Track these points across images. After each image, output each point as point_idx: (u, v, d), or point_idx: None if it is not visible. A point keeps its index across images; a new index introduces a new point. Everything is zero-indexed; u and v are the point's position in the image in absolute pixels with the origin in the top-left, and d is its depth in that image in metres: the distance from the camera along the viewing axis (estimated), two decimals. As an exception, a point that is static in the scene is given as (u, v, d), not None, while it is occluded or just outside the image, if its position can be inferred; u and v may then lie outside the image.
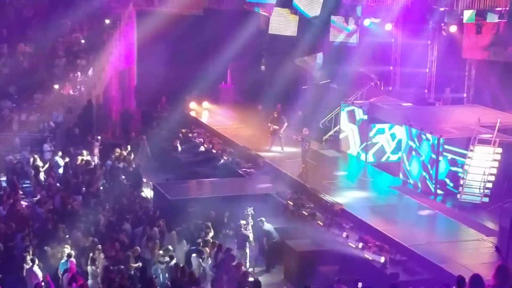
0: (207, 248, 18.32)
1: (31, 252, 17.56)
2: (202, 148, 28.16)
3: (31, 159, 25.47)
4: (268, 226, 19.74)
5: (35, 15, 36.35)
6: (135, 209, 21.23)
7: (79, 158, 25.82)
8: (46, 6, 36.81)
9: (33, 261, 17.23)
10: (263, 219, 19.84)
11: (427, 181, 22.64)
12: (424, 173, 22.76)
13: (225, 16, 32.73)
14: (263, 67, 35.07)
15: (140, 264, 17.70)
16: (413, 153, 23.22)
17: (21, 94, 32.30)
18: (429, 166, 22.52)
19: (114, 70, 35.03)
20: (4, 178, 24.15)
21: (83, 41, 36.33)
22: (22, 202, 22.32)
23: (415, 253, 18.01)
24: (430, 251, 18.10)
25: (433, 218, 21.19)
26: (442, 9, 25.35)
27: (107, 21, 35.80)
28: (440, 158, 22.11)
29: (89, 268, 17.35)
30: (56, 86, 32.90)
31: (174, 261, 17.52)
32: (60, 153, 26.07)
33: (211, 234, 19.28)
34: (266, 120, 28.30)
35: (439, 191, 22.31)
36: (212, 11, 33.86)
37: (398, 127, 24.98)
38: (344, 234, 19.31)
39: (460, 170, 21.89)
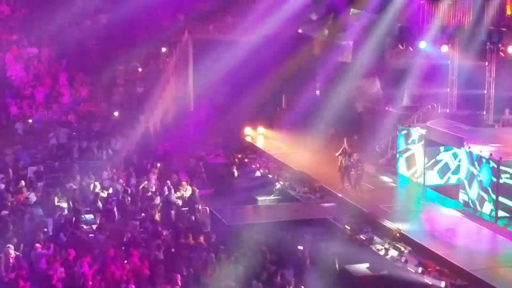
0: (265, 273, 18.27)
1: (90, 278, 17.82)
2: (258, 173, 28.19)
3: (92, 186, 25.88)
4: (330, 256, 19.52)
5: (94, 45, 37.09)
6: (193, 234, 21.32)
7: (137, 184, 26.11)
8: (105, 36, 37.56)
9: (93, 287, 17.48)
10: (327, 246, 19.65)
11: (488, 204, 22.23)
12: (484, 196, 22.36)
13: (280, 41, 32.92)
14: (318, 92, 35.08)
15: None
16: (473, 176, 22.85)
17: (81, 122, 32.91)
18: (489, 189, 22.11)
19: (171, 97, 35.50)
20: (65, 205, 24.54)
21: (140, 69, 36.92)
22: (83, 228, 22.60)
23: (477, 277, 17.67)
24: (491, 275, 17.75)
25: (494, 241, 20.79)
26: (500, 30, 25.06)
27: (164, 49, 36.34)
28: (501, 180, 21.70)
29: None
30: (116, 114, 33.46)
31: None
32: (119, 180, 26.43)
33: (269, 259, 19.23)
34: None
35: (500, 214, 21.87)
36: (267, 36, 34.05)
37: (456, 150, 24.65)
38: (403, 259, 19.08)
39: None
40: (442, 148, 25.30)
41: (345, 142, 25.59)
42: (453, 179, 25.25)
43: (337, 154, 25.41)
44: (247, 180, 28.15)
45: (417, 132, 26.00)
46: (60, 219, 22.55)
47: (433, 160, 25.42)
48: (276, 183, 26.48)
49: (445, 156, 25.46)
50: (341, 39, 29.91)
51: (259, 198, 25.67)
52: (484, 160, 22.31)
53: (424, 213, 23.01)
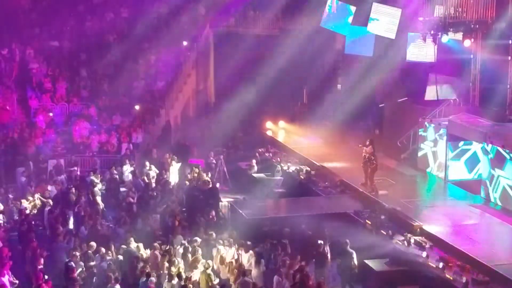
0: (285, 268, 18.23)
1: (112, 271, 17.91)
2: (278, 167, 28.14)
3: (111, 180, 25.93)
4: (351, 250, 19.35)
5: (115, 39, 37.17)
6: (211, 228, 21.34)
7: (158, 178, 26.15)
8: (125, 30, 37.63)
9: (116, 280, 17.54)
10: (348, 241, 19.54)
11: (510, 199, 22.04)
12: (506, 191, 22.17)
13: (301, 36, 32.82)
14: (339, 86, 34.93)
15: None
16: (494, 170, 22.66)
17: (101, 116, 33.01)
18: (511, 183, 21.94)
19: (192, 91, 35.54)
20: (85, 199, 24.63)
21: (160, 63, 36.94)
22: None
23: (498, 273, 17.53)
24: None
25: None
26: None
27: (185, 43, 36.36)
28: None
29: (166, 284, 17.55)
30: (137, 107, 33.55)
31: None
32: (138, 173, 26.50)
33: (288, 253, 19.20)
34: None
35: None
36: (288, 31, 33.98)
37: (478, 145, 24.47)
38: (424, 254, 18.97)
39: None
40: (456, 147, 25.11)
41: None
42: (473, 175, 25.06)
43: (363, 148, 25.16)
44: (268, 174, 28.09)
45: (439, 126, 25.82)
46: (80, 212, 22.64)
47: (450, 158, 25.20)
48: (297, 177, 26.40)
49: (460, 156, 25.26)
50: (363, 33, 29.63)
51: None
52: (506, 155, 22.12)
53: (446, 208, 22.85)
